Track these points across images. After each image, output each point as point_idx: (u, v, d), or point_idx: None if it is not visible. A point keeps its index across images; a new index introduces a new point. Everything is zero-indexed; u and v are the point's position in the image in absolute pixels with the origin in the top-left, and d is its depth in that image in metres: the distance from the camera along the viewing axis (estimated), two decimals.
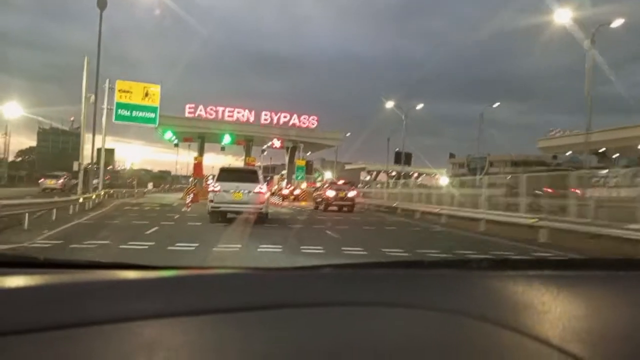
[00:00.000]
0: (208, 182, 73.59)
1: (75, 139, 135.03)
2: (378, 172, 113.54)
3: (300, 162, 47.60)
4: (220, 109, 47.44)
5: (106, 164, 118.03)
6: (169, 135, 46.39)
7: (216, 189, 14.83)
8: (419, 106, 48.84)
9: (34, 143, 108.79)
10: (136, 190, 41.59)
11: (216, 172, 18.18)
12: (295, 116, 48.74)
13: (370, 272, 1.18)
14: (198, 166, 46.81)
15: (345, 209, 23.32)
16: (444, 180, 38.34)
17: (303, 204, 35.32)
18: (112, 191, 32.14)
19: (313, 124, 49.25)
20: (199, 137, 48.99)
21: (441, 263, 1.46)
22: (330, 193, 23.39)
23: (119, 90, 33.83)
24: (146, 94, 34.21)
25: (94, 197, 21.45)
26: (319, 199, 24.99)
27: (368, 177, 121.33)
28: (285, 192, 37.74)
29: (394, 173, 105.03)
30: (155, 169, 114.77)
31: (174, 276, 1.09)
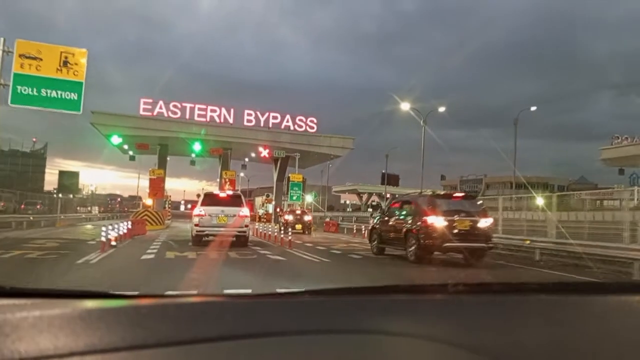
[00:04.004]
0: (180, 207, 60.41)
1: (37, 161, 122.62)
2: (370, 195, 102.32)
3: (296, 177, 35.40)
4: (188, 105, 35.22)
5: (68, 188, 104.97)
6: (116, 140, 33.76)
7: (202, 214, 14.62)
8: (441, 109, 37.85)
9: None
10: (62, 217, 28.54)
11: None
12: (288, 117, 36.85)
13: (347, 299, 1.15)
14: (156, 183, 34.06)
15: (457, 255, 10.77)
16: None
17: (311, 236, 22.96)
18: None
19: (312, 128, 37.39)
20: (159, 144, 36.45)
21: (417, 288, 1.27)
22: (437, 221, 10.21)
23: (21, 56, 21.19)
24: (64, 63, 21.64)
25: None
26: (393, 234, 11.75)
27: (347, 202, 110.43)
28: (289, 217, 24.25)
29: (388, 195, 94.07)
30: (126, 194, 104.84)
31: (145, 305, 1.00)
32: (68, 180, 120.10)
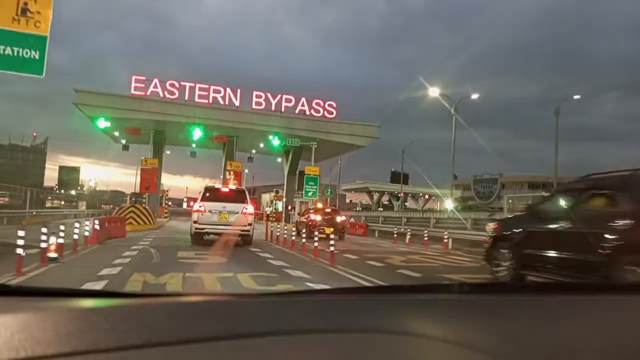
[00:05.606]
0: (168, 204, 55.62)
1: (36, 156, 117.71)
2: (381, 194, 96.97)
3: (312, 170, 30.38)
4: (188, 85, 30.27)
5: (69, 184, 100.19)
6: (102, 123, 28.80)
7: (201, 209, 13.65)
8: (475, 96, 32.84)
9: None
10: (33, 212, 23.64)
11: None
12: (303, 100, 31.84)
13: (348, 298, 1.15)
14: (149, 174, 29.06)
15: None
16: (448, 204, 30.82)
17: (344, 243, 17.89)
18: None
19: (331, 113, 32.39)
20: (154, 130, 31.50)
21: (421, 287, 1.29)
22: None
23: None
24: (23, 11, 16.32)
25: None
26: (562, 251, 6.15)
27: (353, 201, 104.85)
28: (316, 217, 18.45)
29: (401, 194, 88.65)
30: (129, 190, 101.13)
31: (148, 304, 1.01)
32: (68, 175, 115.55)
